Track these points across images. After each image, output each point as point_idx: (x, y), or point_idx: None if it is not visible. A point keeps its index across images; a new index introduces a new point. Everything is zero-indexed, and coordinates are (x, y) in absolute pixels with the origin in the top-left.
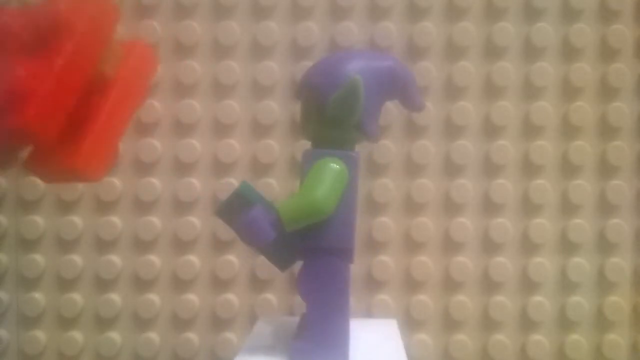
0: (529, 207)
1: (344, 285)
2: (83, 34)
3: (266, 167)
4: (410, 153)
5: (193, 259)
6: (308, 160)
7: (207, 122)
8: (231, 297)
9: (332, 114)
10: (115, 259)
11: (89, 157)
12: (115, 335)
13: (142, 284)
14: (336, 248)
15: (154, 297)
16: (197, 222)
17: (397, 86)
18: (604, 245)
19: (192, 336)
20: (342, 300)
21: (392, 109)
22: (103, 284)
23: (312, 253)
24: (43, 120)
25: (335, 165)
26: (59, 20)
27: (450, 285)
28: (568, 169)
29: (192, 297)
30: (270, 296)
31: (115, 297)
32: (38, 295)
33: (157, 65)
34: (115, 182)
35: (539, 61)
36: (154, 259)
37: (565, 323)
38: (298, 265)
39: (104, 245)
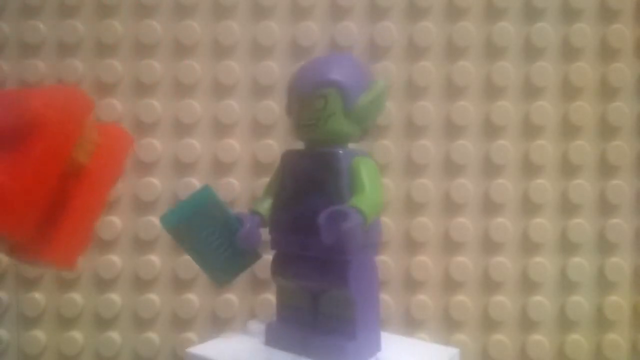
0: (529, 207)
1: (379, 278)
2: (56, 129)
3: (266, 167)
4: (410, 153)
5: None
6: (345, 159)
7: (207, 122)
8: (231, 297)
9: (361, 113)
10: (116, 259)
11: (63, 250)
12: (115, 335)
13: (142, 284)
14: (377, 243)
15: (154, 297)
16: None
17: None
18: (604, 245)
19: (192, 336)
20: (379, 294)
21: (391, 109)
22: (103, 284)
23: (361, 251)
24: (17, 221)
25: (376, 165)
26: (33, 116)
27: (450, 285)
28: (568, 168)
29: (192, 297)
30: (271, 296)
31: (115, 297)
32: (38, 295)
33: (132, 144)
34: None
35: (539, 61)
36: (154, 259)
37: (565, 323)
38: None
39: (104, 245)
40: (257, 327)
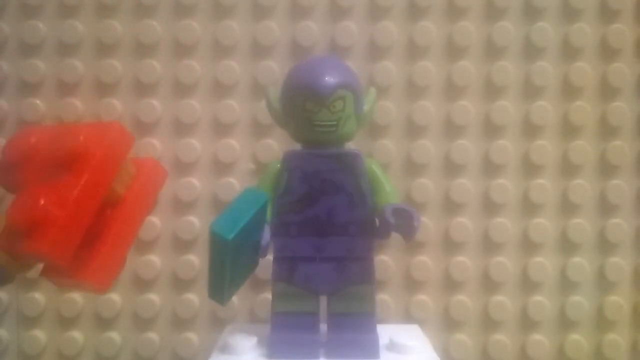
0: (529, 207)
1: None
2: (100, 163)
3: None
4: (410, 153)
5: (193, 258)
6: (360, 164)
7: (207, 122)
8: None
9: (366, 116)
10: None
11: (99, 274)
12: (115, 335)
13: (142, 284)
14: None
15: (154, 297)
16: (197, 221)
17: None
18: (604, 245)
19: (192, 336)
20: None
21: (391, 109)
22: None
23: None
24: (59, 247)
25: None
26: (79, 149)
27: (450, 285)
28: (568, 168)
29: (192, 297)
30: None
31: (115, 297)
32: (38, 295)
33: (166, 178)
34: None
35: (539, 61)
36: (154, 258)
37: (565, 323)
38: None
39: None
40: (240, 343)
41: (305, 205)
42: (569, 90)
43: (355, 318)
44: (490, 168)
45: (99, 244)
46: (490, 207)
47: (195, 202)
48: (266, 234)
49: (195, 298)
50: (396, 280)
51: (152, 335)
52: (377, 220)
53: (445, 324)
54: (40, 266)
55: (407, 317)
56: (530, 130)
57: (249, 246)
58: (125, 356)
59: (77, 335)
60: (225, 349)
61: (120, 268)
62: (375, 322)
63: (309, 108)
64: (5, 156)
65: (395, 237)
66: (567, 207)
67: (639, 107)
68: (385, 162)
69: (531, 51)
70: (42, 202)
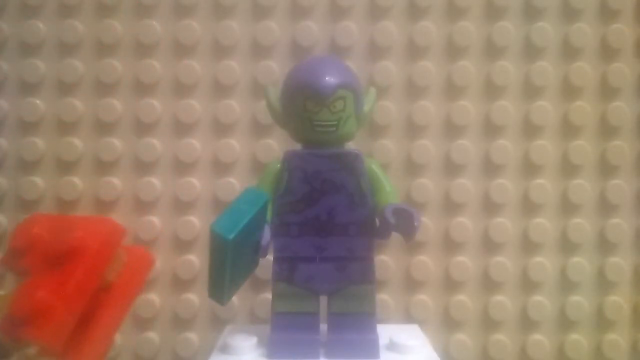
0: (529, 207)
1: None
2: (95, 255)
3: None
4: (410, 153)
5: (193, 258)
6: (360, 164)
7: (207, 122)
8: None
9: (365, 117)
10: None
11: (90, 357)
12: (115, 336)
13: None
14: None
15: (154, 297)
16: (197, 221)
17: None
18: (604, 245)
19: (192, 336)
20: None
21: (391, 109)
22: None
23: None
24: (56, 335)
25: None
26: (77, 243)
27: (450, 285)
28: (568, 168)
29: (192, 297)
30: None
31: None
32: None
33: (153, 265)
34: (115, 182)
35: (539, 61)
36: (154, 258)
37: (565, 323)
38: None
39: None
40: (239, 344)
41: (305, 205)
42: (569, 90)
43: (355, 318)
44: (490, 168)
45: (91, 329)
46: (490, 207)
47: (195, 202)
48: (266, 234)
49: (195, 298)
50: (396, 280)
51: (152, 335)
52: (377, 220)
53: (445, 324)
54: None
55: (407, 317)
56: (530, 130)
57: (249, 246)
58: (125, 356)
59: None
60: (225, 349)
61: (109, 349)
62: (375, 322)
63: (309, 108)
64: (12, 242)
65: (395, 237)
66: (567, 207)
67: (639, 107)
68: (385, 162)
69: (531, 51)
70: (42, 293)
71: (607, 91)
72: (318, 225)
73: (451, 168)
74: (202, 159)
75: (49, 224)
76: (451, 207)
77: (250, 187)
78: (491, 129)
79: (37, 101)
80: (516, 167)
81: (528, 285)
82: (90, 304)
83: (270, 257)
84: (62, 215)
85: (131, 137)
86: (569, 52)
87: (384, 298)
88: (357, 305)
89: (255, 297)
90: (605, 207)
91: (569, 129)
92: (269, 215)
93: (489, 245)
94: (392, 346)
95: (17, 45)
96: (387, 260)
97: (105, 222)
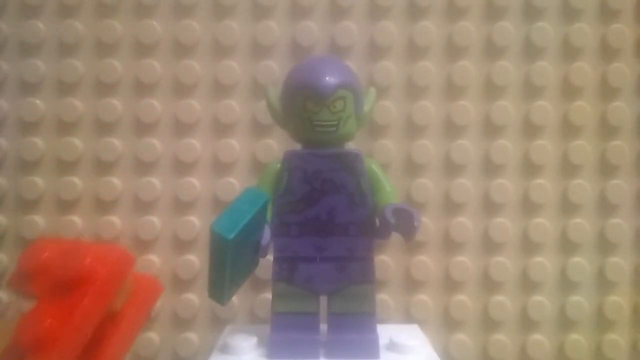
0: (529, 207)
1: None
2: (103, 284)
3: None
4: (410, 153)
5: (193, 258)
6: (360, 164)
7: (207, 122)
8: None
9: (365, 117)
10: None
11: None
12: None
13: None
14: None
15: None
16: (197, 221)
17: None
18: (604, 245)
19: (192, 336)
20: None
21: (391, 109)
22: None
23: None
24: None
25: None
26: (85, 271)
27: (450, 285)
28: (568, 168)
29: (192, 297)
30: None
31: None
32: None
33: (161, 293)
34: (115, 182)
35: (539, 61)
36: (154, 258)
37: (565, 323)
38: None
39: None
40: (239, 344)
41: (305, 206)
42: (569, 90)
43: (355, 318)
44: (490, 168)
45: (96, 356)
46: (490, 207)
47: (195, 202)
48: (266, 234)
49: (195, 298)
50: (396, 280)
51: (152, 335)
52: (377, 220)
53: (445, 324)
54: None
55: (407, 317)
56: (530, 130)
57: (249, 246)
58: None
59: None
60: (225, 349)
61: None
62: (375, 322)
63: (309, 108)
64: (20, 267)
65: (395, 237)
66: (567, 207)
67: (639, 107)
68: (385, 162)
69: (531, 51)
70: (48, 322)
71: (607, 91)
72: (318, 225)
73: (451, 168)
74: (202, 159)
75: (59, 250)
76: (451, 207)
77: (250, 187)
78: (491, 129)
79: (37, 101)
80: (516, 167)
81: (528, 285)
82: (96, 333)
83: (270, 257)
84: (71, 240)
85: (131, 137)
86: (569, 52)
87: (384, 298)
88: (357, 305)
89: (255, 297)
90: (605, 207)
91: (569, 129)
92: (269, 215)
93: (489, 245)
94: (392, 346)
95: (17, 45)
96: (387, 260)
97: (115, 250)
